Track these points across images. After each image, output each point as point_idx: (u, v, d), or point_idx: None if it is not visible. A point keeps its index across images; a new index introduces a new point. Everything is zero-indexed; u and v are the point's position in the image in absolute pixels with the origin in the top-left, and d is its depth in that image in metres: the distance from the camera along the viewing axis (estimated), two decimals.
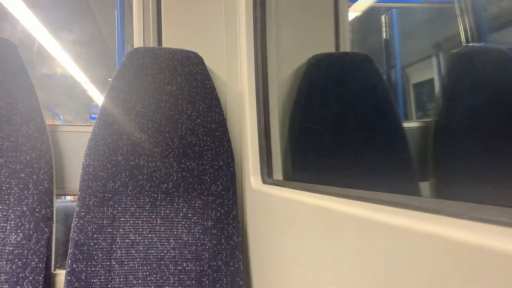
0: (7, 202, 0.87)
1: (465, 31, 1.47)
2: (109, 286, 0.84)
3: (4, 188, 0.88)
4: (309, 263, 0.55)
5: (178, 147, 0.92)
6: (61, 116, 7.52)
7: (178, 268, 0.87)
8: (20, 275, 0.84)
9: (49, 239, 0.88)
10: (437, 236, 0.30)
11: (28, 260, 0.85)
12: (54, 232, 0.90)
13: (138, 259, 0.87)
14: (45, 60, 5.21)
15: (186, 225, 0.90)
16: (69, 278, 0.83)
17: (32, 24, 3.95)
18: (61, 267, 1.00)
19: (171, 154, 0.92)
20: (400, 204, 0.39)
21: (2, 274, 0.83)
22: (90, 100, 8.40)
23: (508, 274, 0.24)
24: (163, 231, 0.89)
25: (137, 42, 1.07)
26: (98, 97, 8.06)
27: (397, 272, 0.35)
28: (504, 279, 0.24)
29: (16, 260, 0.84)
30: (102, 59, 5.51)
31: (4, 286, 0.82)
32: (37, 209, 0.88)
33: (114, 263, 0.85)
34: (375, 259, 0.38)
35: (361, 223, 0.41)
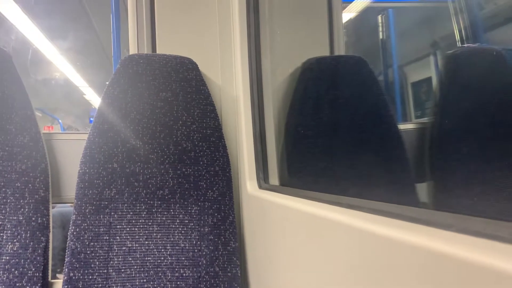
0: (3, 211, 0.87)
1: (460, 30, 1.47)
2: None
3: None
4: (304, 269, 0.55)
5: (174, 153, 0.92)
6: (60, 121, 7.52)
7: (175, 274, 0.87)
8: (17, 284, 0.83)
9: (46, 248, 0.87)
10: (426, 249, 0.29)
11: (25, 270, 0.84)
12: (50, 240, 0.90)
13: (135, 267, 0.87)
14: (43, 65, 5.21)
15: (182, 232, 0.90)
16: (66, 286, 0.83)
17: (30, 31, 3.96)
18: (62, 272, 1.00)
19: (167, 161, 0.92)
20: (393, 214, 0.39)
21: None
22: (88, 104, 8.41)
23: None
24: (159, 238, 0.89)
25: (132, 49, 1.06)
26: (96, 101, 8.07)
27: (388, 281, 0.34)
28: None
29: (12, 269, 0.84)
30: (100, 64, 5.52)
31: None
32: (33, 218, 0.87)
33: (111, 271, 0.85)
34: (367, 268, 0.38)
35: (354, 232, 0.41)
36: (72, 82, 6.48)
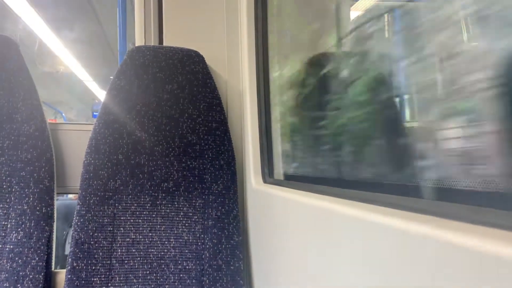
0: (8, 200, 0.87)
1: None
2: (109, 284, 0.84)
3: (4, 186, 0.88)
4: (309, 262, 0.55)
5: (179, 146, 0.92)
6: (63, 114, 7.53)
7: (179, 267, 0.87)
8: (21, 273, 0.84)
9: (50, 238, 0.88)
10: (435, 239, 0.29)
11: (29, 259, 0.85)
12: (54, 230, 0.90)
13: (139, 258, 0.87)
14: (47, 58, 5.22)
15: (186, 224, 0.90)
16: (69, 276, 0.83)
17: (35, 23, 3.97)
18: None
19: (172, 153, 0.92)
20: (399, 205, 0.39)
21: (3, 273, 0.83)
22: (92, 98, 8.42)
23: (503, 277, 0.24)
24: (163, 230, 0.89)
25: (139, 41, 1.06)
26: (101, 95, 8.07)
27: (394, 273, 0.34)
28: (500, 283, 0.24)
29: (16, 258, 0.84)
30: (104, 57, 5.52)
31: (5, 285, 0.82)
32: (37, 208, 0.88)
33: (114, 261, 0.85)
34: (374, 260, 0.38)
35: (360, 223, 0.40)
36: (76, 76, 6.49)
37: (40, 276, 0.85)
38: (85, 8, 3.80)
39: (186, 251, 0.88)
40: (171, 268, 0.87)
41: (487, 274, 0.25)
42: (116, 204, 0.88)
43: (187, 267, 0.88)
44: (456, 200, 0.35)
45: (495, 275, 0.25)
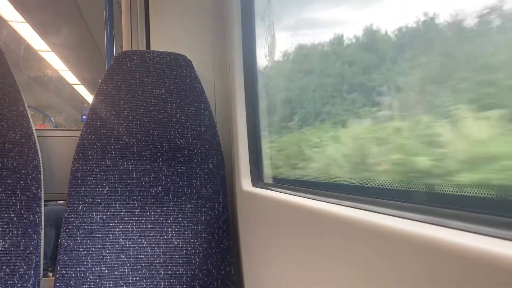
0: None
1: None
2: None
3: None
4: (300, 264, 0.55)
5: (167, 151, 0.92)
6: (52, 119, 7.45)
7: (169, 272, 0.87)
8: (8, 282, 0.83)
9: (38, 246, 0.86)
10: (420, 239, 0.30)
11: (16, 267, 0.84)
12: (42, 238, 0.89)
13: (128, 264, 0.86)
14: (35, 62, 5.16)
15: (176, 229, 0.89)
16: (58, 284, 0.82)
17: (23, 28, 3.94)
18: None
19: (160, 158, 0.91)
20: (386, 206, 0.40)
21: None
22: (81, 102, 8.35)
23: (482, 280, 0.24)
24: (153, 236, 0.88)
25: (126, 45, 1.06)
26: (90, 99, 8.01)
27: (381, 273, 0.35)
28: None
29: (3, 267, 0.83)
30: (93, 61, 5.47)
31: None
32: (24, 215, 0.86)
33: (104, 268, 0.85)
34: (362, 260, 0.38)
35: (348, 225, 0.41)
36: (64, 79, 6.43)
37: (28, 285, 0.84)
38: (72, 11, 3.76)
39: (176, 256, 0.88)
40: (161, 274, 0.87)
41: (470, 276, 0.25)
42: (105, 210, 0.87)
43: (178, 272, 0.87)
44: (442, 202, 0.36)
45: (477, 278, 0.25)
